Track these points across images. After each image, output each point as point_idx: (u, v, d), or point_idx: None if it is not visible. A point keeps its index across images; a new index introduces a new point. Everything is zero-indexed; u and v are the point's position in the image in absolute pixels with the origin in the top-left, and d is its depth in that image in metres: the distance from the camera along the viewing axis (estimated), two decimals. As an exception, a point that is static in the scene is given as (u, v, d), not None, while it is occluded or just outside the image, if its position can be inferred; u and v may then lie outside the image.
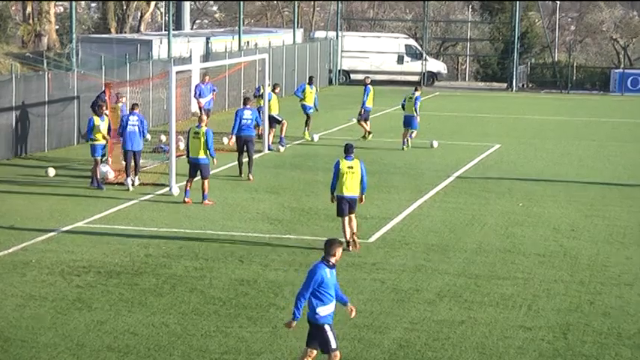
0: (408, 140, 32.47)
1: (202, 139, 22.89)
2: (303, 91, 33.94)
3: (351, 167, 18.69)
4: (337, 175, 18.64)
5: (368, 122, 34.31)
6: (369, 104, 33.92)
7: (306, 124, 33.85)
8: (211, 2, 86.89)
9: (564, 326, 14.68)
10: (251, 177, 26.24)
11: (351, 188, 18.68)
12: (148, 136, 27.27)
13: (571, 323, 14.82)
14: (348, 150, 18.77)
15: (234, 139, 26.68)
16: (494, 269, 17.85)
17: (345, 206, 18.68)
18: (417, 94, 32.86)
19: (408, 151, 32.11)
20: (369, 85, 34.17)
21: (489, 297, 16.10)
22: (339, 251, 11.72)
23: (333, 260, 11.67)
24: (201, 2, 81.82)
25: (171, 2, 46.55)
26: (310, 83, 34.42)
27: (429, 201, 23.99)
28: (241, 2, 51.04)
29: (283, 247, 19.09)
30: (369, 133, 34.11)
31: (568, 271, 17.80)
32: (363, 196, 19.11)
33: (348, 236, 18.81)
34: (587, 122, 41.37)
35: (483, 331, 14.43)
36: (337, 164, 18.76)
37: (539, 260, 18.51)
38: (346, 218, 18.80)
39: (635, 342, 14.10)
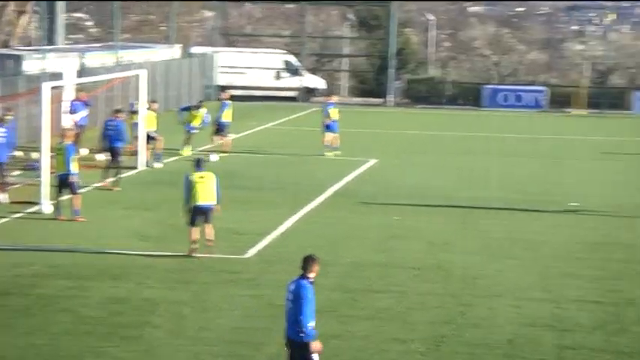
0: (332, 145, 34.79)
1: (64, 155, 22.69)
2: (188, 113, 33.81)
3: (202, 177, 19.40)
4: (189, 186, 19.34)
5: (227, 137, 34.49)
6: (226, 119, 34.60)
7: (187, 141, 33.57)
8: (85, 17, 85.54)
9: (438, 338, 14.88)
10: (115, 188, 26.57)
11: (204, 196, 19.28)
12: (19, 153, 26.75)
13: (444, 335, 15.04)
14: (198, 163, 19.64)
15: (103, 154, 27.21)
16: (370, 283, 17.99)
17: (198, 216, 19.28)
18: (330, 100, 36.16)
19: (285, 166, 32.23)
20: (227, 101, 34.99)
21: (365, 311, 16.21)
22: (316, 267, 11.73)
23: (312, 276, 11.67)
24: (74, 16, 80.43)
25: (45, 17, 45.68)
26: (198, 107, 34.15)
27: (306, 216, 24.06)
28: (117, 14, 50.41)
29: (158, 264, 18.88)
30: (226, 151, 34.11)
31: (441, 283, 18.06)
32: (219, 207, 19.62)
33: (193, 246, 19.29)
34: (461, 137, 42.17)
35: (359, 344, 14.52)
36: (187, 176, 19.56)
37: (414, 274, 18.74)
38: (195, 229, 19.28)
39: (505, 352, 14.39)
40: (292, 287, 11.68)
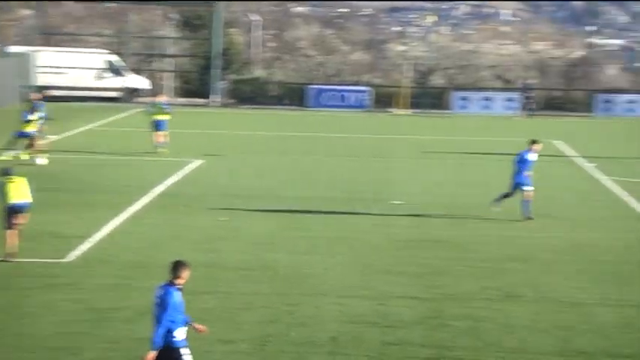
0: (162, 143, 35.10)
1: None
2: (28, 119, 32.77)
3: (10, 178, 19.07)
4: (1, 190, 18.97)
5: (44, 139, 33.56)
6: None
7: (28, 146, 32.35)
8: None
9: (264, 338, 14.87)
10: None
11: (17, 195, 18.93)
12: None
13: (271, 334, 15.03)
14: (6, 172, 19.26)
15: None
16: (196, 284, 17.68)
17: (14, 218, 18.82)
18: (159, 99, 36.91)
19: (108, 167, 31.66)
20: (40, 102, 34.13)
21: (191, 312, 15.85)
22: (185, 273, 11.46)
23: (180, 282, 11.42)
24: None
25: None
26: (33, 111, 32.91)
27: (130, 218, 23.63)
28: None
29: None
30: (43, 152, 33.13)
31: (268, 283, 18.06)
32: (27, 215, 19.26)
33: (10, 250, 18.79)
34: (287, 137, 42.38)
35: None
36: None
37: (240, 274, 18.67)
38: (12, 232, 18.81)
39: (329, 349, 14.51)
40: (159, 292, 11.60)
